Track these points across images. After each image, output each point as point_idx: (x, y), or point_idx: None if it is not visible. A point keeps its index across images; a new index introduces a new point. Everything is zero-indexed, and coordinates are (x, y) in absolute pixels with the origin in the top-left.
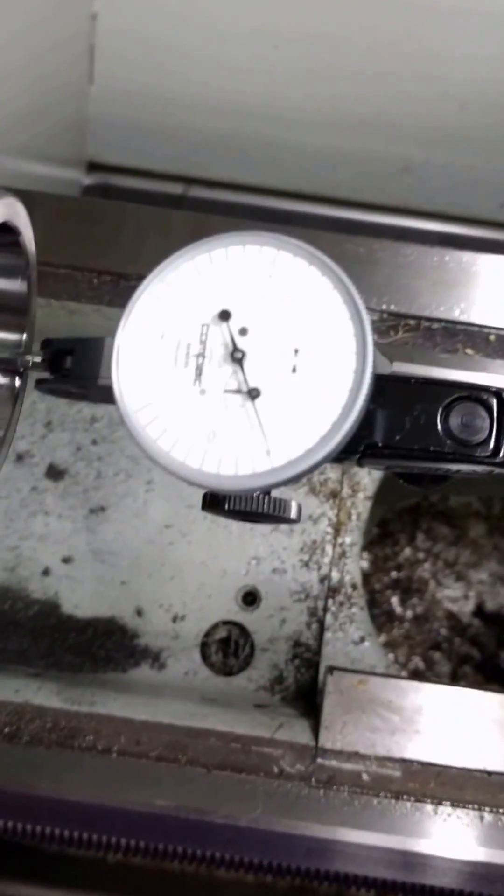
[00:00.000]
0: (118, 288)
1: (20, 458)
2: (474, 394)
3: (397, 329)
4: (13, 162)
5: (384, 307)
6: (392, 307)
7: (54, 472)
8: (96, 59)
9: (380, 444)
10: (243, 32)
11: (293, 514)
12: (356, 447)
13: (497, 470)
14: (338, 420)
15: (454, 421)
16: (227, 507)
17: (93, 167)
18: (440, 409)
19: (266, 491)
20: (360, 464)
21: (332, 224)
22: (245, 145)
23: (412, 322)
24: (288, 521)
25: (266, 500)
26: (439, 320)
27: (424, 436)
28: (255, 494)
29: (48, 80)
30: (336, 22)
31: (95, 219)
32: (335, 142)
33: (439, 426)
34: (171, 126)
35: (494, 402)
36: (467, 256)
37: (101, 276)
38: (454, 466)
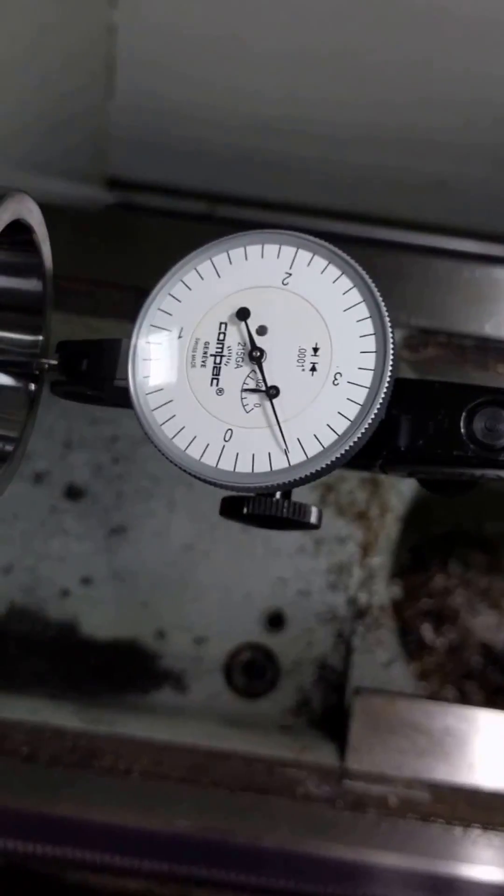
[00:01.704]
0: (140, 303)
1: (39, 477)
2: (498, 398)
3: (427, 345)
4: (31, 179)
5: (414, 322)
6: (422, 323)
7: (74, 492)
8: (116, 73)
9: (402, 449)
10: (268, 47)
11: (313, 519)
12: (378, 452)
13: None
14: (356, 420)
15: (478, 425)
16: (245, 511)
17: (114, 184)
18: (464, 414)
19: (285, 493)
20: (383, 470)
21: (364, 243)
22: (273, 162)
23: (442, 338)
24: (308, 526)
25: (286, 505)
26: (470, 336)
27: (447, 440)
28: (274, 498)
29: (66, 94)
30: (367, 38)
31: (117, 233)
32: (366, 158)
33: (463, 430)
34: (195, 142)
35: None
36: (499, 272)
37: (123, 292)
38: (478, 472)
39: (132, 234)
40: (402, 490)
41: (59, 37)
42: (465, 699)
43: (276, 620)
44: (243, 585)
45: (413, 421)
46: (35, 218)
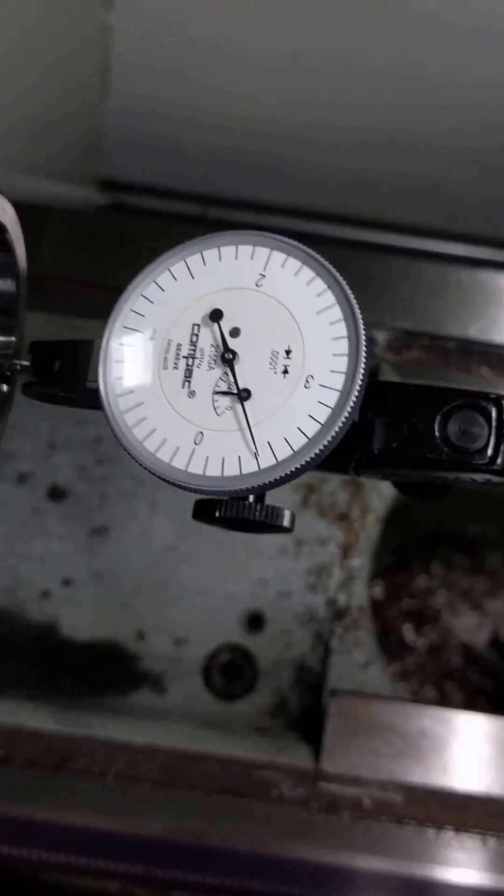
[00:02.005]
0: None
1: (22, 478)
2: (473, 401)
3: (411, 347)
4: (24, 179)
5: (398, 325)
6: (406, 325)
7: (57, 493)
8: (111, 74)
9: (376, 452)
10: (263, 50)
11: (286, 523)
12: (351, 454)
13: (495, 478)
14: (326, 423)
15: (452, 428)
16: (217, 514)
17: (108, 186)
18: (438, 417)
19: (259, 496)
20: (356, 472)
21: (354, 245)
22: (266, 164)
23: (426, 341)
24: (281, 529)
25: (258, 508)
26: (454, 339)
27: (422, 443)
28: (247, 502)
29: (60, 95)
30: (360, 41)
31: (110, 235)
32: (359, 161)
33: (437, 433)
34: (188, 144)
35: (493, 409)
36: (483, 275)
37: (111, 293)
38: (452, 475)
39: (124, 235)
40: (383, 491)
41: (54, 37)
42: (444, 699)
43: (255, 621)
44: (224, 586)
45: (388, 424)
46: (8, 217)
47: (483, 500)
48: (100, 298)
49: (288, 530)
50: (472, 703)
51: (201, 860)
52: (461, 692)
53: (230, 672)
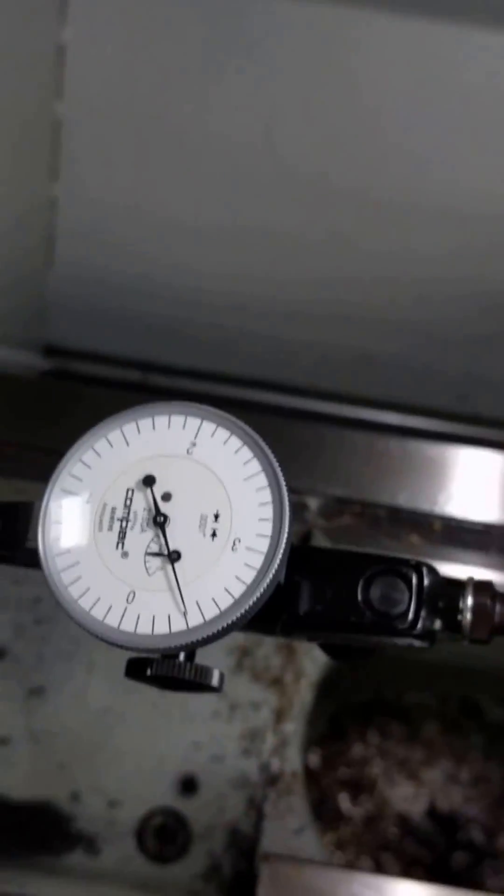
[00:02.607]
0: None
1: None
2: (394, 567)
3: (342, 513)
4: None
5: (330, 492)
6: (337, 492)
7: None
8: (56, 243)
9: (301, 614)
10: (203, 225)
11: (215, 682)
12: (278, 615)
13: (416, 643)
14: (252, 583)
15: (374, 593)
16: (149, 672)
17: (51, 352)
18: (361, 581)
19: (189, 656)
20: (284, 633)
21: (290, 413)
22: (205, 333)
23: (357, 508)
24: (210, 689)
25: (188, 667)
26: (384, 506)
27: (345, 606)
28: (178, 660)
29: (6, 262)
30: (293, 219)
31: (52, 400)
32: (294, 331)
33: (360, 597)
34: (131, 312)
35: (413, 575)
36: (412, 444)
37: (52, 457)
38: (374, 638)
39: (66, 400)
40: (316, 657)
41: (1, 208)
42: (381, 870)
43: (189, 785)
44: (158, 749)
45: (312, 587)
46: None
47: (419, 668)
48: (41, 462)
49: (217, 690)
50: (409, 874)
51: None
52: (398, 863)
53: (163, 835)
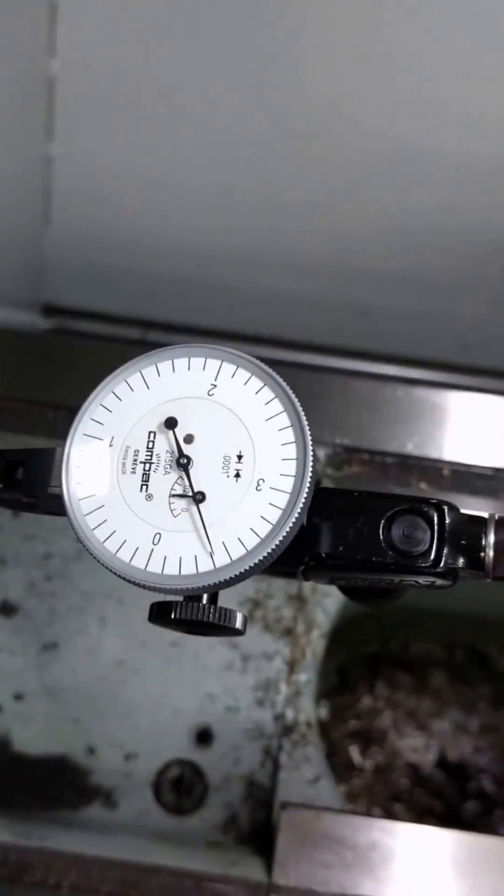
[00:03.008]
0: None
1: None
2: (415, 506)
3: (350, 462)
4: None
5: (338, 441)
6: (345, 441)
7: (7, 609)
8: (52, 202)
9: (323, 555)
10: (199, 185)
11: (238, 624)
12: (300, 558)
13: (438, 580)
14: (277, 523)
15: (396, 532)
16: (173, 615)
17: (50, 311)
18: (382, 521)
19: (212, 599)
20: (305, 576)
21: (292, 366)
22: (203, 289)
23: (365, 456)
24: (233, 632)
25: (212, 609)
26: (392, 454)
27: (367, 547)
28: (200, 603)
29: (2, 222)
30: (289, 173)
31: (53, 357)
32: (292, 285)
33: (381, 537)
34: (128, 269)
35: (435, 514)
36: (420, 391)
37: (58, 412)
38: (396, 577)
39: (67, 357)
40: (327, 607)
41: None
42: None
43: (204, 736)
44: (172, 702)
45: (334, 528)
46: None
47: (426, 618)
48: (49, 417)
49: (240, 633)
50: (422, 823)
51: None
52: (409, 813)
53: (180, 787)
